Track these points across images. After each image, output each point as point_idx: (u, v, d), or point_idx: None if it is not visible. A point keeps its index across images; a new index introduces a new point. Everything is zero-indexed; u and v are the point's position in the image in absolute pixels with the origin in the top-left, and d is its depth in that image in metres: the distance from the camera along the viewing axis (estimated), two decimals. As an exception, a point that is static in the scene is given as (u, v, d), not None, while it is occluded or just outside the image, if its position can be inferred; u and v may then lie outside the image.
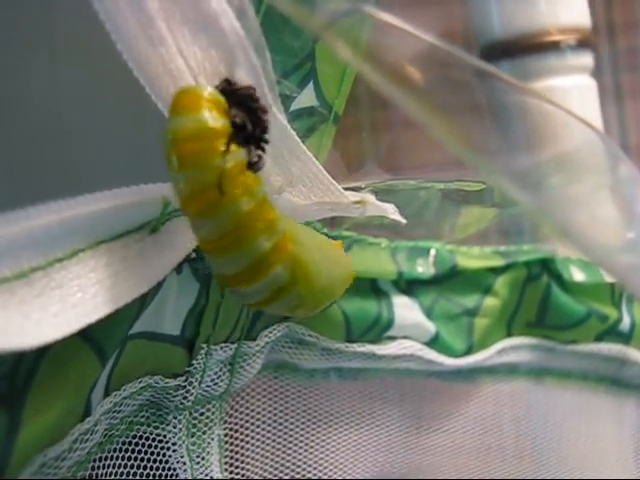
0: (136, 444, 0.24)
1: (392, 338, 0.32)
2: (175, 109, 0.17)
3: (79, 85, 0.40)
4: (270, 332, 0.28)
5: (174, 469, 0.25)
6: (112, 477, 0.23)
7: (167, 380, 0.24)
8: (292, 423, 0.32)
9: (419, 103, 0.19)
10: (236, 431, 0.30)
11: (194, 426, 0.26)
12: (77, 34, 0.40)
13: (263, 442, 0.31)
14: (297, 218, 0.24)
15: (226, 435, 0.29)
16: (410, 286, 0.33)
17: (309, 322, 0.29)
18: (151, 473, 0.25)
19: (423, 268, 0.33)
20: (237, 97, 0.17)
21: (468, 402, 0.36)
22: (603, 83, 0.44)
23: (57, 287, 0.17)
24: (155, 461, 0.25)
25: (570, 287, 0.36)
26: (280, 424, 0.31)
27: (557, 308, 0.36)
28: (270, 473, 0.31)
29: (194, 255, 0.22)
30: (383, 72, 0.19)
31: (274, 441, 0.31)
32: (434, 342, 0.33)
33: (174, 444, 0.25)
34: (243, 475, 0.30)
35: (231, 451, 0.29)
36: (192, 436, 0.26)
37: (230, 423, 0.29)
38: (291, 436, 0.32)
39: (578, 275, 0.36)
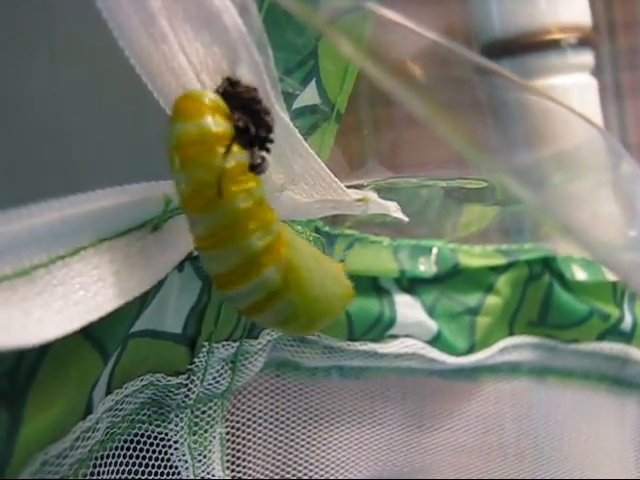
0: (138, 442, 0.24)
1: (394, 336, 0.32)
2: (178, 115, 0.17)
3: (79, 85, 0.40)
4: (272, 330, 0.28)
5: (176, 467, 0.25)
6: (114, 475, 0.23)
7: (169, 378, 0.24)
8: (294, 421, 0.32)
9: (421, 100, 0.19)
10: (238, 429, 0.30)
11: (196, 424, 0.26)
12: (77, 34, 0.39)
13: (265, 440, 0.31)
14: (299, 216, 0.24)
15: (228, 433, 0.29)
16: (412, 284, 0.33)
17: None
18: (153, 471, 0.25)
19: (425, 266, 0.33)
20: (239, 99, 0.17)
21: (470, 401, 0.36)
22: (603, 82, 0.44)
23: (59, 284, 0.17)
24: (157, 459, 0.25)
25: (572, 286, 0.36)
26: (282, 422, 0.31)
27: (559, 307, 0.36)
28: (271, 471, 0.31)
29: (196, 253, 0.22)
30: (385, 69, 0.19)
31: (276, 439, 0.31)
32: (436, 341, 0.33)
33: (176, 442, 0.25)
34: (245, 473, 0.30)
35: (233, 449, 0.29)
36: (194, 434, 0.26)
37: (232, 421, 0.29)
38: (293, 434, 0.32)
39: (580, 274, 0.36)
